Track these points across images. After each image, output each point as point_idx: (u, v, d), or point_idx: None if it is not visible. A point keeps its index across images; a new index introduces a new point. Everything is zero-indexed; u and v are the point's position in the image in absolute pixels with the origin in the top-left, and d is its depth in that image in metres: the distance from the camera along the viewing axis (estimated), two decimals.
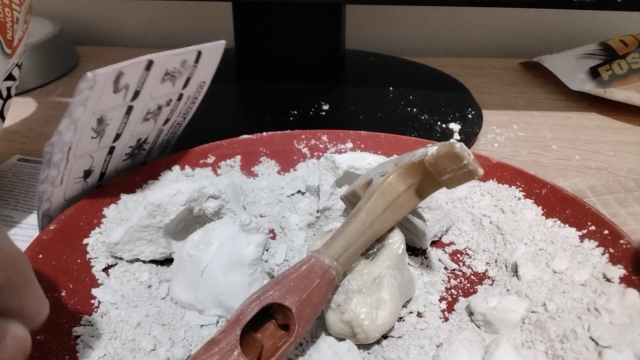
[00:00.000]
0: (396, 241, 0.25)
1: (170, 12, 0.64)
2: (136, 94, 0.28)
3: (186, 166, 0.34)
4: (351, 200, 0.27)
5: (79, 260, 0.27)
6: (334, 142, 0.36)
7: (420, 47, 0.63)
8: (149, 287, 0.26)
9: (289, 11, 0.46)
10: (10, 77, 0.31)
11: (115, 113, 0.28)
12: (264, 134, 0.36)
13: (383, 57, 0.56)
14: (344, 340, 0.23)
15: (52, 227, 0.27)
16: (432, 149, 0.23)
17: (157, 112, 0.31)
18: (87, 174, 0.29)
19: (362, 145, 0.36)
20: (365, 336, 0.22)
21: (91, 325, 0.24)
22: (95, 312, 0.25)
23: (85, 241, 0.28)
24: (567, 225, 0.29)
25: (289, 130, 0.37)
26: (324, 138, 0.36)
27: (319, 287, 0.21)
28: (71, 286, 0.25)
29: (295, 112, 0.44)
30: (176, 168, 0.33)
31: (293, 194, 0.33)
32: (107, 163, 0.30)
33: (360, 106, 0.45)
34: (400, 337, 0.24)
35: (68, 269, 0.26)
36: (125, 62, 0.26)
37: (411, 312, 0.25)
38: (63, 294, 0.25)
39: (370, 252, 0.25)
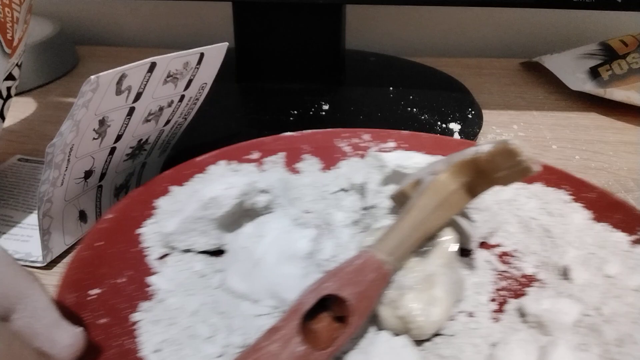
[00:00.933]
0: (449, 240, 0.25)
1: (170, 12, 0.64)
2: (138, 96, 0.28)
3: (232, 161, 0.34)
4: (400, 200, 0.27)
5: (133, 249, 0.27)
6: (376, 141, 0.36)
7: (420, 47, 0.63)
8: (203, 276, 0.27)
9: (289, 11, 0.46)
10: (10, 77, 0.31)
11: (117, 114, 0.28)
12: (306, 131, 0.36)
13: (383, 57, 0.56)
14: (399, 335, 0.23)
15: (109, 217, 0.28)
16: (485, 146, 0.23)
17: (159, 113, 0.31)
18: (88, 174, 0.29)
19: (405, 145, 0.36)
20: (419, 332, 0.22)
21: (149, 312, 0.24)
22: (153, 299, 0.25)
23: (139, 231, 0.28)
24: (617, 230, 0.28)
25: (330, 129, 0.37)
26: (365, 137, 0.36)
27: (375, 282, 0.22)
28: (128, 273, 0.26)
29: (295, 112, 0.44)
30: (222, 163, 0.33)
31: (337, 191, 0.33)
32: (108, 163, 0.30)
33: (360, 106, 0.45)
34: (452, 335, 0.24)
35: (125, 257, 0.27)
36: (128, 65, 0.26)
37: (461, 312, 0.25)
38: (121, 280, 0.25)
39: (421, 250, 0.25)
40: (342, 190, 0.33)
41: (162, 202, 0.30)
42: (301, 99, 0.46)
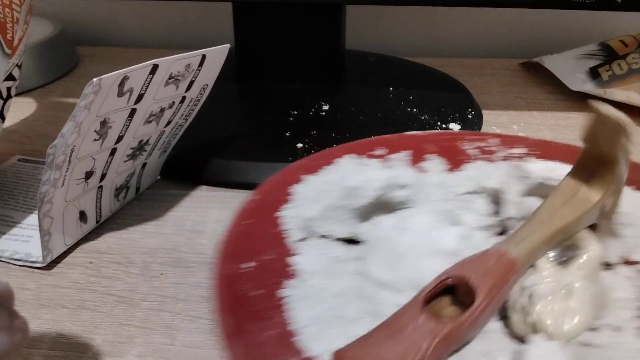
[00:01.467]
0: (591, 250, 0.25)
1: (171, 12, 0.64)
2: (140, 97, 0.28)
3: (358, 155, 0.34)
4: None
5: (275, 230, 0.28)
6: (503, 145, 0.36)
7: (420, 47, 0.63)
8: (341, 262, 0.27)
9: (289, 11, 0.46)
10: (10, 77, 0.31)
11: (118, 116, 0.28)
12: (431, 131, 0.37)
13: (383, 57, 0.56)
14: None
15: (255, 198, 0.29)
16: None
17: (160, 115, 0.31)
18: (89, 175, 0.29)
19: (536, 152, 0.35)
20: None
21: (295, 289, 0.25)
22: (296, 278, 0.26)
23: (278, 214, 0.29)
24: None
25: (455, 130, 0.38)
26: (492, 141, 0.36)
27: (498, 266, 0.23)
28: (273, 252, 0.27)
29: (295, 112, 0.44)
30: (349, 156, 0.34)
31: (465, 194, 0.32)
32: (109, 164, 0.30)
33: (360, 106, 0.45)
34: (598, 347, 0.23)
35: (268, 236, 0.28)
36: (130, 67, 0.26)
37: (606, 325, 0.24)
38: (267, 257, 0.26)
39: (562, 259, 0.25)
40: (471, 192, 0.32)
41: (297, 189, 0.31)
42: (301, 99, 0.46)
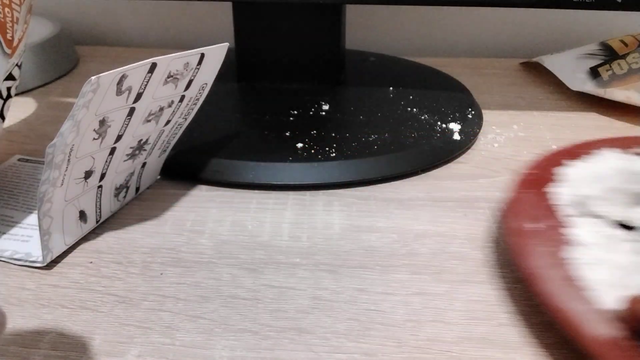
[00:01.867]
0: None
1: (171, 11, 0.64)
2: (139, 96, 0.28)
3: (620, 150, 0.35)
4: None
5: (547, 203, 0.31)
6: None
7: (420, 47, 0.64)
8: (617, 241, 0.28)
9: (289, 11, 0.46)
10: (10, 77, 0.31)
11: (117, 115, 0.28)
12: None
13: (383, 57, 0.56)
14: None
15: (531, 173, 0.33)
16: None
17: (159, 114, 0.31)
18: (88, 174, 0.29)
19: None
20: None
21: (577, 254, 0.27)
22: (575, 246, 0.28)
23: (548, 189, 0.31)
24: None
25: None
26: None
27: None
28: (550, 220, 0.30)
29: (295, 112, 0.44)
30: (609, 149, 0.35)
31: None
32: (108, 163, 0.30)
33: (360, 106, 0.45)
34: None
35: (544, 206, 0.30)
36: (129, 65, 0.26)
37: None
38: (546, 224, 0.29)
39: None
40: None
41: (566, 171, 0.33)
42: (301, 99, 0.46)
